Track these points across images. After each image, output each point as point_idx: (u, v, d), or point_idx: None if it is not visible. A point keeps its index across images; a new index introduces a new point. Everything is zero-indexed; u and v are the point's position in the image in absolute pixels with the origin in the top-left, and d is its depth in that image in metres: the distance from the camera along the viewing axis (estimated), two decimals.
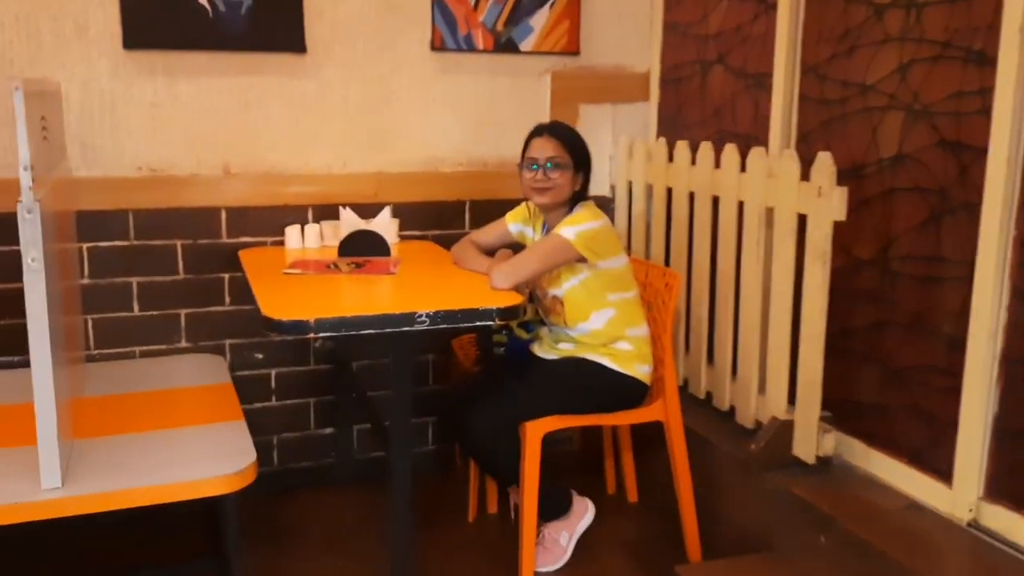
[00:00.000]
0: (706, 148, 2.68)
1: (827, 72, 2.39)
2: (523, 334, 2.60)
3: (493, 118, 3.02)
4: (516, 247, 2.50)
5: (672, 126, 3.08)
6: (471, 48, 2.93)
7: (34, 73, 2.50)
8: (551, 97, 3.06)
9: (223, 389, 2.44)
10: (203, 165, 2.72)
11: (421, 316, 1.97)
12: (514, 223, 2.54)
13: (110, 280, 2.67)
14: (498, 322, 2.07)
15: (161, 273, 2.71)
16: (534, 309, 2.61)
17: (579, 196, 2.35)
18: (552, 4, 2.99)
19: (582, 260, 2.25)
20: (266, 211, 2.80)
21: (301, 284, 2.26)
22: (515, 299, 2.09)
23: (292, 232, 2.76)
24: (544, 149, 2.32)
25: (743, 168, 2.51)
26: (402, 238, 2.93)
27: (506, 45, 2.97)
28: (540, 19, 2.99)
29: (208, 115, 2.70)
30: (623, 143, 3.13)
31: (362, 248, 2.61)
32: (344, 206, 2.66)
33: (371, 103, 2.87)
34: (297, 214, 2.83)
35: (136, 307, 2.70)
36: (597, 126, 3.14)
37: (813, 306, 2.23)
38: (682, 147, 2.80)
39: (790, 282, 2.33)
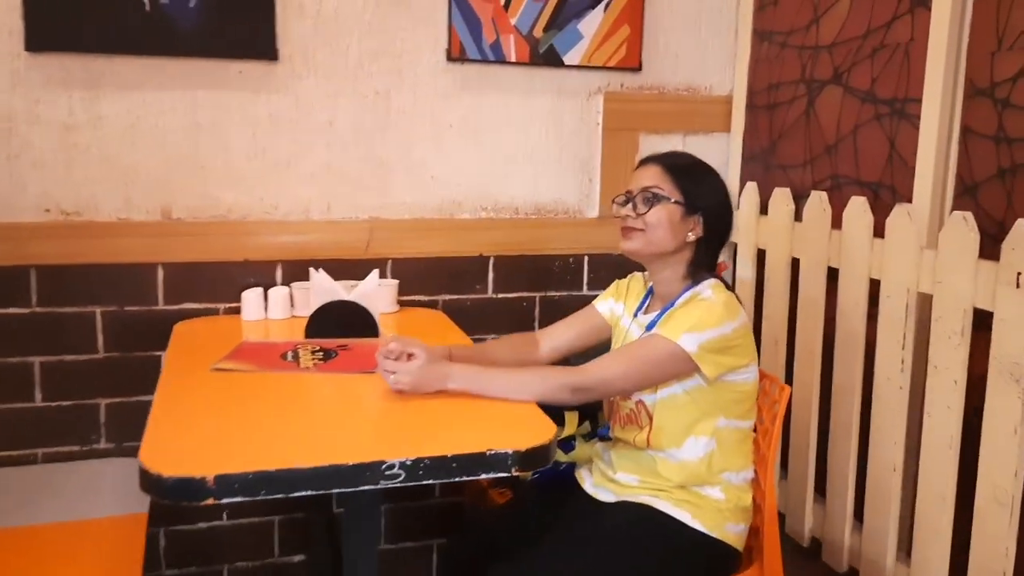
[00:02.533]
0: (818, 200, 1.93)
1: (1011, 96, 1.63)
2: (561, 455, 1.86)
3: (527, 151, 2.30)
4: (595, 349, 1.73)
5: (763, 167, 2.33)
6: (500, 59, 2.22)
7: None
8: (603, 124, 2.33)
9: (131, 525, 1.73)
10: (134, 208, 2.04)
11: (392, 467, 1.24)
12: (604, 301, 1.78)
13: (2, 360, 1.99)
14: (516, 472, 1.33)
15: (74, 350, 2.02)
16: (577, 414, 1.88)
17: (703, 262, 1.62)
18: (607, 5, 2.27)
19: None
20: (219, 269, 2.10)
21: (233, 390, 1.55)
22: (543, 435, 1.35)
23: (251, 298, 2.06)
24: (641, 178, 1.60)
25: (879, 233, 1.75)
26: (403, 304, 2.21)
27: (546, 56, 2.26)
28: (591, 24, 2.27)
29: (143, 142, 2.02)
30: None
31: (340, 326, 1.90)
32: (317, 267, 1.96)
33: (366, 128, 2.17)
34: (261, 274, 2.13)
35: (38, 395, 2.02)
36: None
37: (1001, 450, 1.45)
38: (782, 196, 2.05)
39: (958, 406, 1.56)
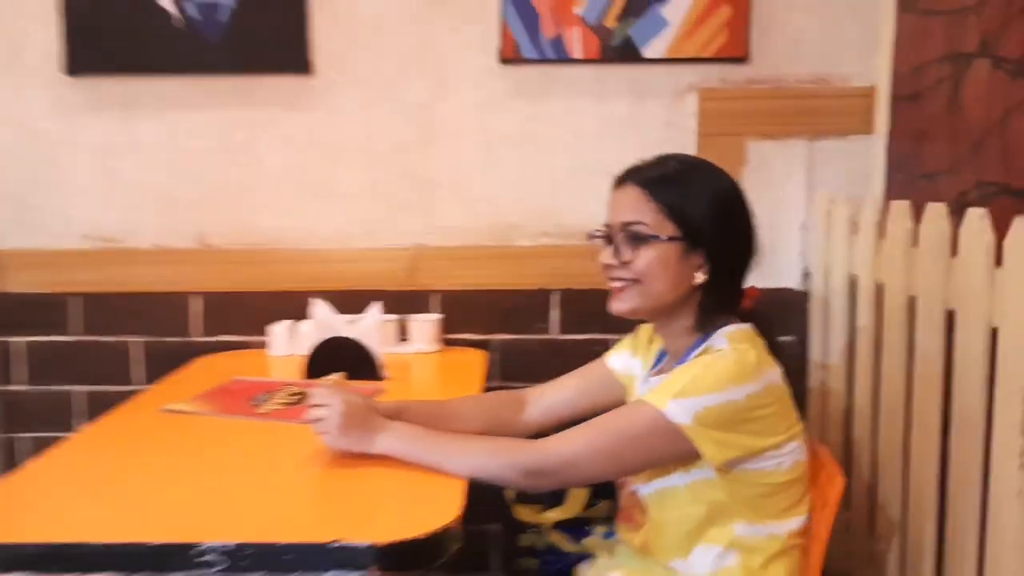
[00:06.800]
0: (976, 222, 1.35)
1: None
2: (566, 544, 1.47)
3: (599, 165, 1.90)
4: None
5: (906, 178, 1.76)
6: (563, 57, 1.89)
7: None
8: (699, 128, 1.90)
9: None
10: (171, 233, 1.96)
11: (204, 552, 0.97)
12: (618, 354, 1.39)
13: (44, 387, 1.98)
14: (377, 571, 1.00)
15: (109, 380, 1.97)
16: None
17: (716, 304, 1.20)
18: None
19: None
20: (255, 299, 1.96)
21: (144, 439, 1.38)
22: (432, 522, 1.01)
23: (278, 332, 1.89)
24: (618, 207, 1.21)
25: None
26: (450, 343, 1.93)
27: (621, 50, 1.88)
28: (679, 6, 1.86)
29: (178, 165, 1.94)
30: (823, 205, 1.87)
31: (339, 365, 1.66)
32: (318, 299, 1.74)
33: (409, 143, 1.93)
34: (297, 305, 1.95)
35: (75, 425, 1.99)
36: (778, 176, 1.92)
37: None
38: (935, 216, 1.48)
39: None
